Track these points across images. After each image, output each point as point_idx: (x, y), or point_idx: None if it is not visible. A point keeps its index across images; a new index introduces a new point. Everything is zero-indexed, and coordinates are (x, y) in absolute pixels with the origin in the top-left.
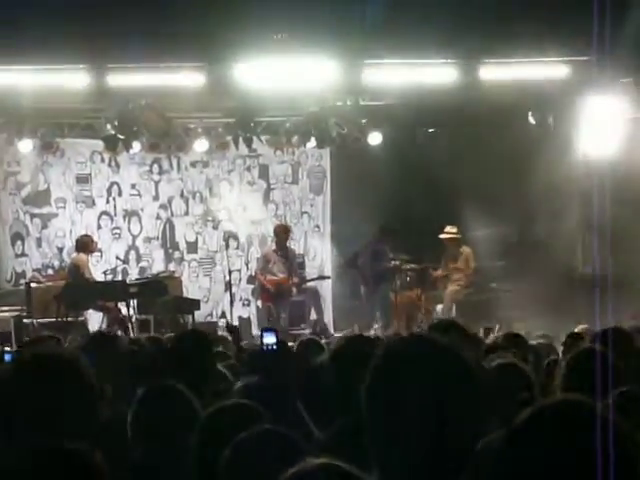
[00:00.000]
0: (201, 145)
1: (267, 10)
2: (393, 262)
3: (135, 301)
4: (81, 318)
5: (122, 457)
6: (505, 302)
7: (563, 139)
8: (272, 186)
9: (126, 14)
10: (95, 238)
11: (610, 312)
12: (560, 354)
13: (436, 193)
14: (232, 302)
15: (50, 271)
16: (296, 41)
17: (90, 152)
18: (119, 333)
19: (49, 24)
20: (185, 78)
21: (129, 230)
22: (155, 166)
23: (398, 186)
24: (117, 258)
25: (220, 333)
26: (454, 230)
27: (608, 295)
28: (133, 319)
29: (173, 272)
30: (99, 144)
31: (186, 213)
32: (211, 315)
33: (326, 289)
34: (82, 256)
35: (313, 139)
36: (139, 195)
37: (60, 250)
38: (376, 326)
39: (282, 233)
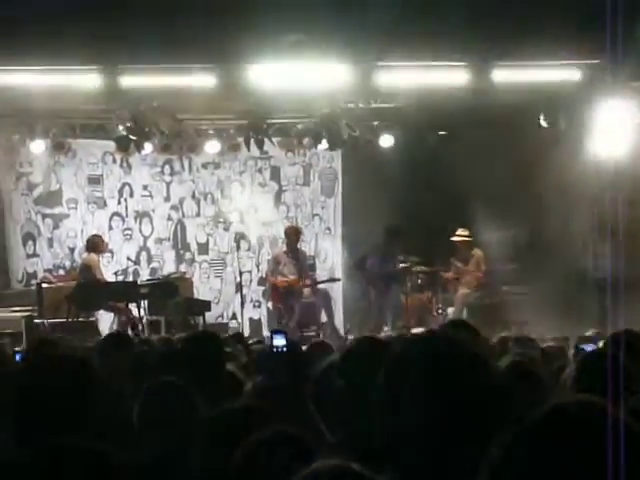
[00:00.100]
0: (213, 146)
1: (279, 12)
2: (403, 264)
3: (146, 302)
4: (92, 319)
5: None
6: (516, 305)
7: (574, 142)
8: (283, 188)
9: (138, 15)
10: (106, 239)
11: (622, 315)
12: (571, 357)
13: (448, 195)
14: (243, 303)
15: (61, 271)
16: (308, 43)
17: (102, 153)
18: (130, 334)
19: (61, 25)
20: (197, 79)
21: (140, 231)
22: (167, 167)
23: (409, 188)
24: (128, 259)
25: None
26: (465, 233)
27: (620, 298)
28: (144, 320)
29: (184, 273)
30: (111, 145)
31: (197, 214)
32: (222, 316)
33: (337, 291)
34: (93, 256)
35: (324, 141)
36: (150, 196)
37: (71, 250)
38: (386, 328)
39: (293, 235)
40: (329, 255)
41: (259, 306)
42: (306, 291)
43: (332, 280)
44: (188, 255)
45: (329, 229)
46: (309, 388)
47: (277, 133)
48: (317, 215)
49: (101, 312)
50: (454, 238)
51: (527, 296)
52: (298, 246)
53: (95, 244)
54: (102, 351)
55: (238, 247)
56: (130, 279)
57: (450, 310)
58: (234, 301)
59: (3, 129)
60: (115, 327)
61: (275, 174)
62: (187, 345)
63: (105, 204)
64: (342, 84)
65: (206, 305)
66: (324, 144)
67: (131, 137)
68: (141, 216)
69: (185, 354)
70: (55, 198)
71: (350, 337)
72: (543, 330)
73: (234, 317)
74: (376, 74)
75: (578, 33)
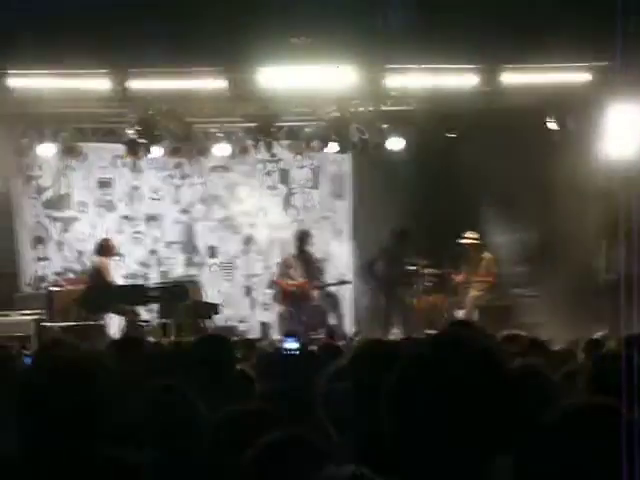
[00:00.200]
0: (222, 150)
1: (289, 15)
2: (412, 267)
3: (156, 305)
4: (101, 322)
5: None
6: (527, 307)
7: (584, 144)
8: (292, 191)
9: (147, 19)
10: (116, 242)
11: (635, 317)
12: (580, 360)
13: (457, 198)
14: (252, 306)
15: (71, 275)
16: (318, 46)
17: (112, 156)
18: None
19: (71, 29)
20: (206, 83)
21: (150, 234)
22: (176, 171)
23: (419, 191)
24: (138, 262)
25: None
26: (475, 235)
27: (632, 300)
28: (154, 323)
29: (193, 276)
30: (121, 148)
31: (207, 217)
32: (231, 319)
33: (347, 294)
34: (103, 260)
35: (334, 144)
36: (160, 199)
37: (81, 254)
38: (396, 331)
39: (302, 238)
40: (338, 258)
41: (268, 309)
42: (315, 294)
43: (342, 283)
44: (198, 258)
45: (338, 232)
46: (318, 390)
47: (286, 136)
48: (326, 218)
49: (110, 315)
50: (463, 241)
51: (538, 298)
52: (307, 249)
53: (105, 247)
54: (112, 354)
55: (247, 250)
56: (140, 282)
57: (460, 313)
58: (243, 304)
59: (13, 132)
60: (125, 330)
61: (284, 177)
62: (197, 348)
63: (115, 207)
64: (351, 87)
65: (215, 308)
66: (333, 147)
67: (141, 141)
68: (151, 219)
69: (195, 357)
70: (65, 201)
71: (359, 339)
72: (554, 332)
73: (243, 320)
74: (386, 77)
75: (587, 35)
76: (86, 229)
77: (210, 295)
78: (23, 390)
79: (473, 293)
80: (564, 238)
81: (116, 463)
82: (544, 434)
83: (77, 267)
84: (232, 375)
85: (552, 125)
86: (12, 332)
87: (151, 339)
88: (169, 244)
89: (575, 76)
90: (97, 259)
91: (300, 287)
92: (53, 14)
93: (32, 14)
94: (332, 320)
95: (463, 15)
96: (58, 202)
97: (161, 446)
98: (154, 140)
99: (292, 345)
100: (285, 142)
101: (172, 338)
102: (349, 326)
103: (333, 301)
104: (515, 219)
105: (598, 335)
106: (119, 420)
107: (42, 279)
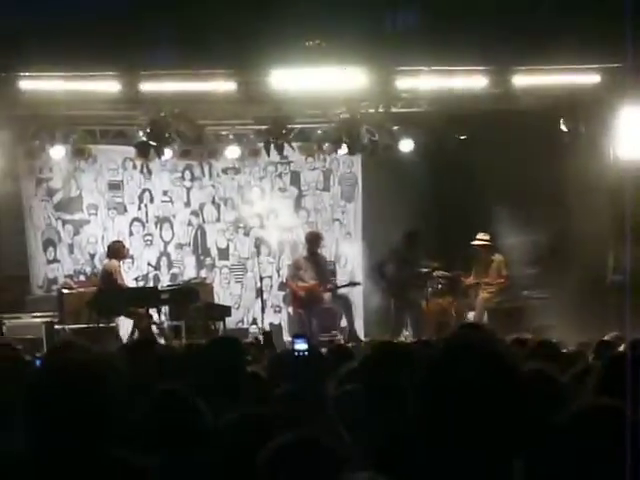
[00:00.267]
0: (233, 152)
1: (300, 17)
2: (423, 269)
3: (167, 307)
4: (112, 324)
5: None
6: (538, 309)
7: (595, 146)
8: (303, 193)
9: (158, 21)
10: (127, 244)
11: None
12: (591, 361)
13: (468, 200)
14: (263, 309)
15: (82, 277)
16: (328, 48)
17: (122, 159)
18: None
19: (82, 31)
20: (217, 85)
21: (161, 237)
22: (187, 173)
23: (429, 193)
24: (149, 264)
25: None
26: (486, 237)
27: None
28: (165, 325)
29: (204, 278)
30: (131, 151)
31: (217, 220)
32: (242, 322)
33: (357, 296)
34: (114, 262)
35: (344, 146)
36: (171, 202)
37: (92, 256)
38: (406, 333)
39: (313, 240)
40: (349, 260)
41: (279, 311)
42: (326, 296)
43: (352, 284)
44: (208, 260)
45: (349, 234)
46: (329, 392)
47: (297, 138)
48: (337, 220)
49: (121, 318)
50: (474, 243)
51: (548, 300)
52: (318, 251)
53: (116, 250)
54: (124, 356)
55: (258, 252)
56: (151, 285)
57: (471, 315)
58: (254, 306)
59: (23, 135)
60: (136, 333)
61: (295, 179)
62: (208, 350)
63: (125, 210)
64: (362, 89)
65: (226, 310)
66: (344, 149)
67: (151, 143)
68: (161, 222)
69: (207, 359)
70: (75, 204)
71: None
72: (565, 334)
73: (254, 322)
74: (396, 79)
75: (598, 37)
76: (97, 232)
77: (221, 297)
78: (33, 392)
79: (483, 295)
80: (575, 240)
81: (124, 465)
82: (554, 435)
83: (88, 269)
84: (243, 377)
85: (563, 127)
86: (23, 334)
87: (162, 341)
88: (180, 246)
89: (586, 78)
90: (108, 262)
91: (311, 289)
92: (64, 17)
93: (43, 17)
94: (343, 322)
95: (473, 17)
96: (69, 205)
97: (168, 448)
98: (165, 142)
99: (301, 346)
100: (296, 144)
101: (183, 340)
102: (360, 328)
103: (345, 303)
104: (525, 221)
105: (609, 337)
106: (128, 422)
107: (53, 282)
